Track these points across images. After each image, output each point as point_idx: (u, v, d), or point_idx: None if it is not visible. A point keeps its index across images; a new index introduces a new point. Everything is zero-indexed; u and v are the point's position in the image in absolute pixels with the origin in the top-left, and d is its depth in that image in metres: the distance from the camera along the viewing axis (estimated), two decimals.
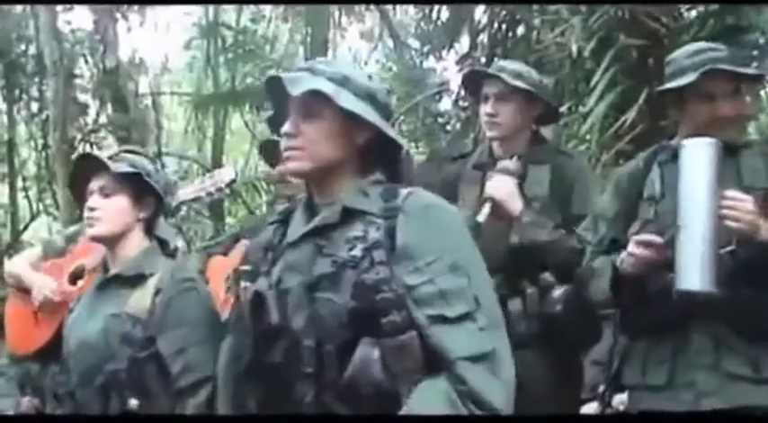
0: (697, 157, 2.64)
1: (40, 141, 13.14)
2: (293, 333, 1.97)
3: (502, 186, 3.20)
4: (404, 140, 2.13)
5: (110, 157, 2.77)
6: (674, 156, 2.77)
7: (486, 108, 3.39)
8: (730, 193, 2.61)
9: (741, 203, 2.59)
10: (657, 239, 2.66)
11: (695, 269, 2.57)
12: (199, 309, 2.65)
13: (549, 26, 6.49)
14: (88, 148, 11.95)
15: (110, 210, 2.73)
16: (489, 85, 3.39)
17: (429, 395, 1.83)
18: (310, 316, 1.95)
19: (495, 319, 1.94)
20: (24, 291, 3.69)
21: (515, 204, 3.17)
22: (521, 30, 7.42)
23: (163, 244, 2.87)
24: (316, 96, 2.00)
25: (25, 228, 13.98)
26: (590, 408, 4.55)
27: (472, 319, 1.87)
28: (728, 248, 2.64)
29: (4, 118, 13.81)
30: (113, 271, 2.76)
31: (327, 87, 2.01)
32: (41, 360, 4.05)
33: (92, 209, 2.74)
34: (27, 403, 5.56)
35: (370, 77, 2.12)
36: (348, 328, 1.89)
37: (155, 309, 2.62)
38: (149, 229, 2.83)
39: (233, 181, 4.12)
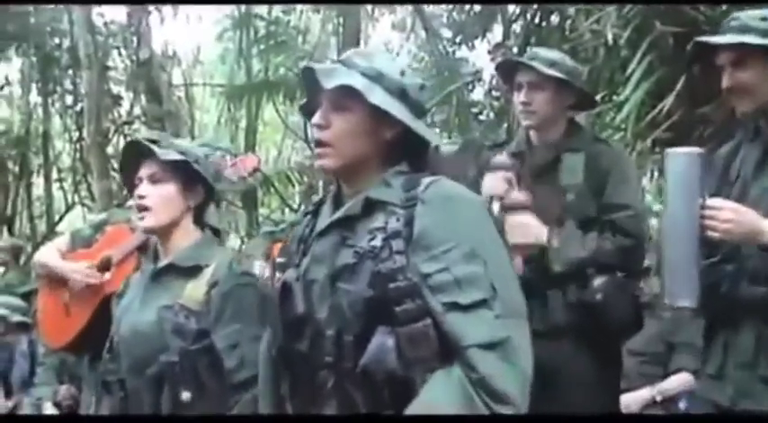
0: (676, 166, 2.61)
1: (75, 133, 13.27)
2: (318, 323, 1.99)
3: (518, 230, 3.11)
4: (435, 133, 2.13)
5: (156, 143, 2.74)
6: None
7: (520, 97, 3.36)
8: (711, 201, 2.55)
9: (718, 212, 2.52)
10: None
11: (675, 283, 2.57)
12: (255, 304, 2.63)
13: (584, 14, 6.43)
14: (122, 140, 12.06)
15: (159, 198, 2.72)
16: (523, 74, 3.36)
17: (442, 384, 1.82)
18: (332, 306, 1.97)
19: (514, 308, 1.89)
20: (55, 281, 3.70)
21: (539, 237, 3.13)
22: (554, 18, 7.36)
23: (215, 232, 2.88)
24: (347, 90, 2.01)
25: (60, 219, 14.10)
26: (629, 397, 4.54)
27: (487, 307, 1.85)
28: (713, 259, 2.62)
29: (40, 111, 13.94)
30: (167, 260, 2.75)
31: (359, 83, 2.02)
32: (75, 351, 4.06)
33: (141, 197, 2.72)
34: (65, 391, 5.62)
35: (403, 73, 2.10)
36: (365, 317, 1.90)
37: (209, 301, 2.62)
38: (199, 218, 2.83)
39: (256, 169, 4.10)
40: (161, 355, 2.57)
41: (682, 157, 2.61)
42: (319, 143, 2.07)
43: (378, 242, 1.94)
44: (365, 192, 2.05)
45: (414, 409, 1.83)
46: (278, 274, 2.14)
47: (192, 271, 2.69)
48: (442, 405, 1.80)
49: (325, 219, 2.12)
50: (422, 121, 2.12)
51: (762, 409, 2.58)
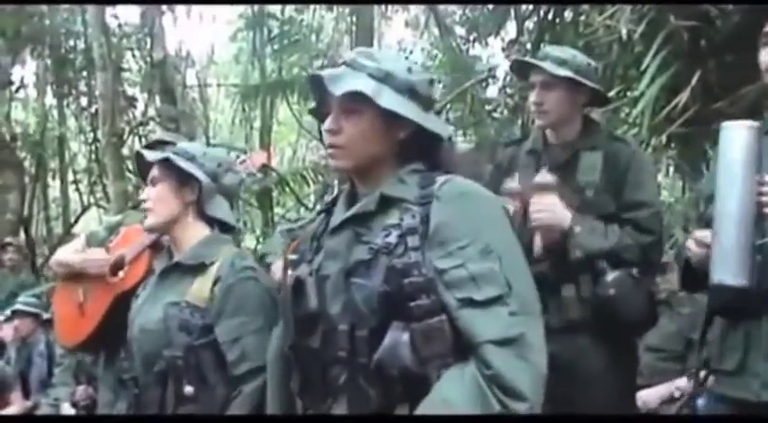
0: (733, 140, 2.54)
1: (90, 135, 13.29)
2: (331, 318, 2.01)
3: (544, 210, 3.16)
4: (448, 128, 2.17)
5: (148, 146, 2.84)
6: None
7: (532, 97, 3.37)
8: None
9: None
10: (708, 240, 2.57)
11: (728, 261, 2.47)
12: (257, 298, 2.69)
13: (598, 10, 6.40)
14: (137, 141, 12.10)
15: (155, 198, 2.83)
16: (535, 74, 3.36)
17: (455, 380, 1.83)
18: (345, 301, 1.98)
19: (528, 305, 1.91)
20: (70, 280, 3.71)
21: (563, 221, 3.13)
22: (568, 14, 7.33)
23: (226, 229, 2.93)
24: (356, 94, 2.01)
25: (76, 220, 14.15)
26: (647, 393, 4.52)
27: (502, 303, 1.86)
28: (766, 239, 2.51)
29: (55, 113, 13.99)
30: (175, 259, 2.83)
31: (368, 87, 2.02)
32: (89, 350, 4.08)
33: (144, 200, 2.85)
34: (82, 391, 5.65)
35: (410, 70, 2.10)
36: (379, 312, 1.92)
37: (214, 297, 2.68)
38: (201, 213, 2.88)
39: (265, 165, 4.12)
40: (166, 351, 2.64)
41: (738, 131, 2.55)
42: (332, 146, 2.09)
43: (393, 238, 1.95)
44: (380, 189, 2.06)
45: (427, 405, 1.84)
46: (290, 271, 2.15)
47: (198, 268, 2.76)
48: (456, 401, 1.80)
49: (338, 216, 2.13)
50: (432, 114, 2.13)
51: None
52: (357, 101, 2.03)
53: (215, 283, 2.70)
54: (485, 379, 1.80)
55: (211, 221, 2.90)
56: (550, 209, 3.15)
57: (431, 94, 2.16)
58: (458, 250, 1.90)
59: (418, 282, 1.88)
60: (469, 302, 1.86)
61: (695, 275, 2.72)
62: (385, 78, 2.05)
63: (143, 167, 2.96)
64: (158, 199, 2.83)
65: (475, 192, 2.03)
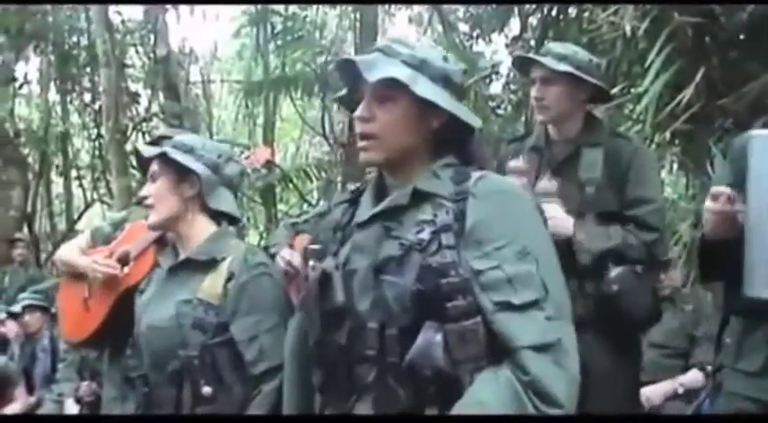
0: (763, 150, 2.49)
1: (94, 131, 13.30)
2: (358, 314, 1.95)
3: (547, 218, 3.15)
4: (476, 117, 2.10)
5: (152, 143, 2.78)
6: None
7: (533, 92, 3.38)
8: None
9: None
10: (726, 190, 2.51)
11: (761, 275, 2.43)
12: (272, 294, 2.66)
13: (602, 6, 6.39)
14: (141, 138, 12.11)
15: (155, 194, 2.77)
16: (536, 70, 3.38)
17: (491, 384, 1.79)
18: (375, 298, 1.93)
19: (563, 309, 1.88)
20: (75, 277, 3.70)
21: (566, 229, 3.13)
22: (572, 11, 7.32)
23: (233, 221, 2.89)
24: (391, 81, 1.96)
25: (80, 216, 14.16)
26: (650, 390, 4.52)
27: (539, 308, 1.82)
28: None
29: (58, 109, 13.98)
30: (184, 255, 2.78)
31: (403, 74, 1.97)
32: (94, 346, 4.08)
33: (146, 196, 2.79)
34: (86, 387, 5.65)
35: (445, 59, 2.06)
36: (412, 311, 1.86)
37: (227, 294, 2.64)
38: (204, 207, 2.83)
39: (269, 161, 4.11)
40: (180, 350, 2.60)
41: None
42: (364, 136, 2.03)
43: (426, 235, 1.91)
44: (412, 182, 2.01)
45: (461, 408, 1.80)
46: (312, 262, 2.10)
47: (209, 265, 2.71)
48: (491, 405, 1.77)
49: (366, 208, 2.08)
50: (463, 105, 2.09)
51: None
52: (391, 88, 1.98)
53: (228, 279, 2.66)
54: (521, 384, 1.77)
55: (216, 215, 2.85)
56: (552, 217, 3.12)
57: (464, 84, 2.11)
58: (494, 251, 1.86)
59: (455, 282, 1.84)
60: (507, 306, 1.82)
61: (713, 253, 2.65)
62: (420, 66, 2.01)
63: (143, 164, 2.92)
64: (157, 196, 2.77)
65: (512, 190, 2.00)
